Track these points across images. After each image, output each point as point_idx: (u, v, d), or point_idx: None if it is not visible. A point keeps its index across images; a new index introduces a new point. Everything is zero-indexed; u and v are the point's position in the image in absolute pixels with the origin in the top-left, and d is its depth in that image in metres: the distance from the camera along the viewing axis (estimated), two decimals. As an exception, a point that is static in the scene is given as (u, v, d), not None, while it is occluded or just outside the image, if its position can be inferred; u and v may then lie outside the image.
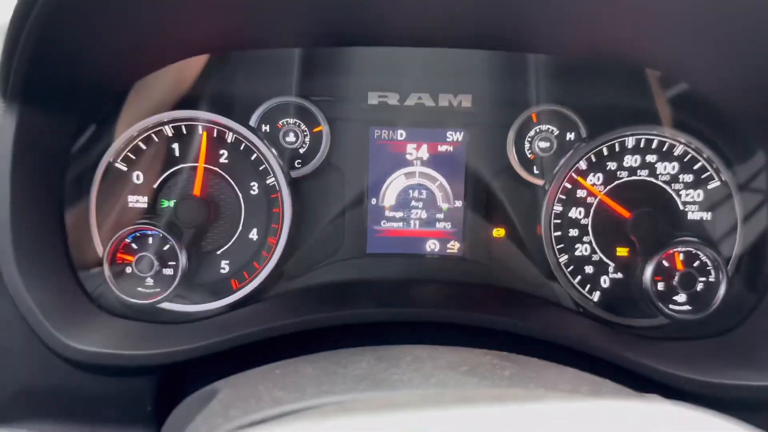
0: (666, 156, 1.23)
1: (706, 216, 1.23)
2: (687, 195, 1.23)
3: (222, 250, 1.23)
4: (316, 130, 1.27)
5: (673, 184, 1.23)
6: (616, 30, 1.07)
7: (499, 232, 1.29)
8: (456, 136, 1.29)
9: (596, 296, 1.24)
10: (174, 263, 1.18)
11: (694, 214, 1.23)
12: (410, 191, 1.29)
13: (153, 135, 1.21)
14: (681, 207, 1.23)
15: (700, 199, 1.24)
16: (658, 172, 1.23)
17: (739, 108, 1.16)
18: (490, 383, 0.75)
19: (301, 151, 1.27)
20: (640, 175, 1.24)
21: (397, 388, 0.72)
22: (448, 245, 1.30)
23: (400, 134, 1.29)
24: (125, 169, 1.21)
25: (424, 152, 1.29)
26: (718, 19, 0.95)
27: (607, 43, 1.12)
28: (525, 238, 1.29)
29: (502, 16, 1.05)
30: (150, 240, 1.18)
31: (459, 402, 0.59)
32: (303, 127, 1.27)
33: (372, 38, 1.18)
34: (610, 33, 1.08)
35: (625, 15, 1.00)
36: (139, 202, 1.22)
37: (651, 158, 1.24)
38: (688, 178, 1.23)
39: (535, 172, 1.27)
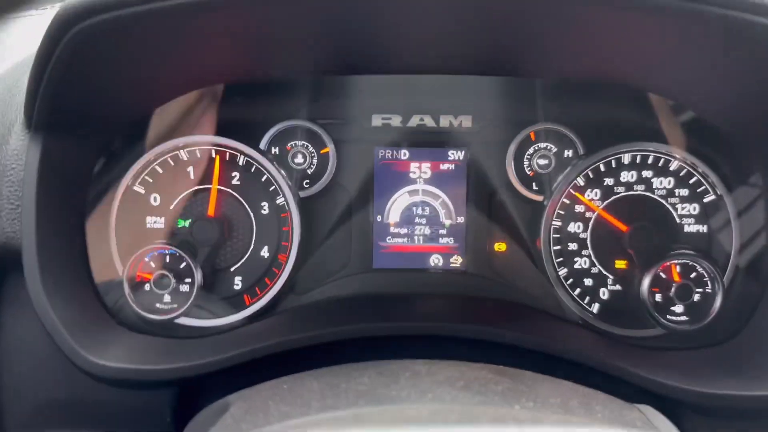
0: (662, 171, 1.27)
1: (703, 229, 1.27)
2: (683, 209, 1.27)
3: (235, 267, 1.29)
4: (323, 151, 1.33)
5: (669, 198, 1.27)
6: (614, 58, 1.11)
7: (500, 247, 1.34)
8: (457, 154, 1.34)
9: (596, 308, 1.28)
10: (190, 280, 1.24)
11: (690, 227, 1.27)
12: (414, 208, 1.34)
13: (169, 159, 1.27)
14: (677, 220, 1.27)
15: (696, 212, 1.27)
16: (654, 187, 1.27)
17: (736, 130, 1.20)
18: (483, 398, 0.80)
19: (309, 171, 1.33)
20: (636, 190, 1.27)
21: (395, 404, 0.77)
22: (451, 260, 1.35)
23: (404, 154, 1.34)
24: (143, 192, 1.27)
25: (426, 171, 1.34)
26: (715, 50, 0.99)
27: (605, 70, 1.17)
28: (525, 252, 1.33)
29: (502, 47, 1.10)
30: (167, 258, 1.24)
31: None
32: (311, 148, 1.33)
33: (376, 67, 1.24)
34: (609, 61, 1.12)
35: (623, 45, 1.05)
36: (156, 222, 1.28)
37: (647, 173, 1.27)
38: (684, 192, 1.27)
39: (535, 188, 1.32)
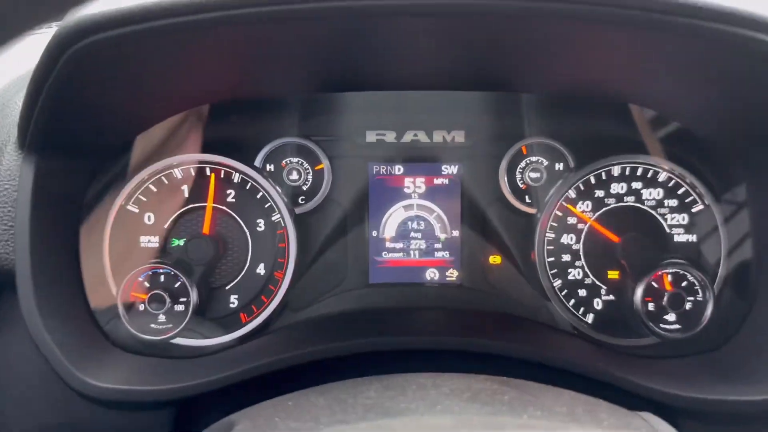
0: (651, 182, 1.30)
1: (692, 238, 1.30)
2: (673, 219, 1.30)
3: (231, 285, 1.29)
4: (317, 167, 1.34)
5: (658, 209, 1.30)
6: (600, 72, 1.14)
7: (495, 260, 1.35)
8: (451, 169, 1.35)
9: (590, 318, 1.30)
10: (185, 299, 1.22)
11: (680, 237, 1.29)
12: (409, 223, 1.36)
13: (163, 178, 1.27)
14: (667, 230, 1.29)
15: (686, 222, 1.30)
16: (644, 198, 1.30)
17: (721, 140, 1.23)
18: (491, 408, 0.80)
19: (304, 188, 1.34)
20: (627, 202, 1.30)
21: (405, 416, 0.77)
22: (447, 273, 1.35)
23: (398, 169, 1.35)
24: (137, 211, 1.27)
25: (421, 185, 1.35)
26: (699, 62, 1.02)
27: (592, 84, 1.20)
28: (520, 264, 1.35)
29: (490, 64, 1.13)
30: (162, 278, 1.23)
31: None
32: (305, 165, 1.33)
33: (369, 84, 1.26)
34: (595, 75, 1.16)
35: (609, 59, 1.08)
36: (150, 242, 1.27)
37: (637, 185, 1.30)
38: (673, 202, 1.30)
39: (527, 201, 1.34)
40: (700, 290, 1.23)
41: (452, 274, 1.36)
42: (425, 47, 1.07)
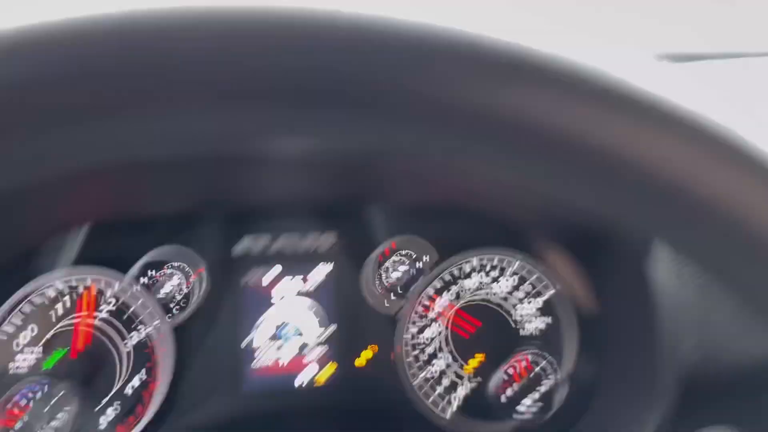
0: (504, 273, 1.41)
1: (543, 325, 1.41)
2: (524, 308, 1.41)
3: (106, 399, 1.31)
4: (192, 277, 1.39)
5: (511, 299, 1.41)
6: (441, 190, 1.27)
7: (367, 356, 1.42)
8: (323, 270, 1.43)
9: (454, 407, 1.38)
10: (60, 416, 1.24)
11: (531, 324, 1.40)
12: (281, 327, 1.41)
13: (36, 298, 1.30)
14: (519, 318, 1.40)
15: (538, 308, 1.41)
16: (497, 289, 1.41)
17: (562, 239, 1.37)
18: None
19: (178, 297, 1.38)
20: (482, 293, 1.40)
21: None
22: (319, 375, 1.41)
23: (271, 273, 1.42)
24: (11, 331, 1.29)
25: (294, 288, 1.42)
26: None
27: (439, 197, 1.34)
28: (389, 360, 1.42)
29: (350, 186, 1.24)
30: (38, 395, 1.24)
31: None
32: (179, 275, 1.38)
33: (242, 200, 1.35)
34: (438, 192, 1.29)
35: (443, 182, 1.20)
36: (25, 360, 1.29)
37: (492, 275, 1.41)
38: (526, 289, 1.41)
39: (393, 297, 1.42)
40: (552, 374, 1.33)
41: (324, 375, 1.41)
42: (290, 181, 1.18)
